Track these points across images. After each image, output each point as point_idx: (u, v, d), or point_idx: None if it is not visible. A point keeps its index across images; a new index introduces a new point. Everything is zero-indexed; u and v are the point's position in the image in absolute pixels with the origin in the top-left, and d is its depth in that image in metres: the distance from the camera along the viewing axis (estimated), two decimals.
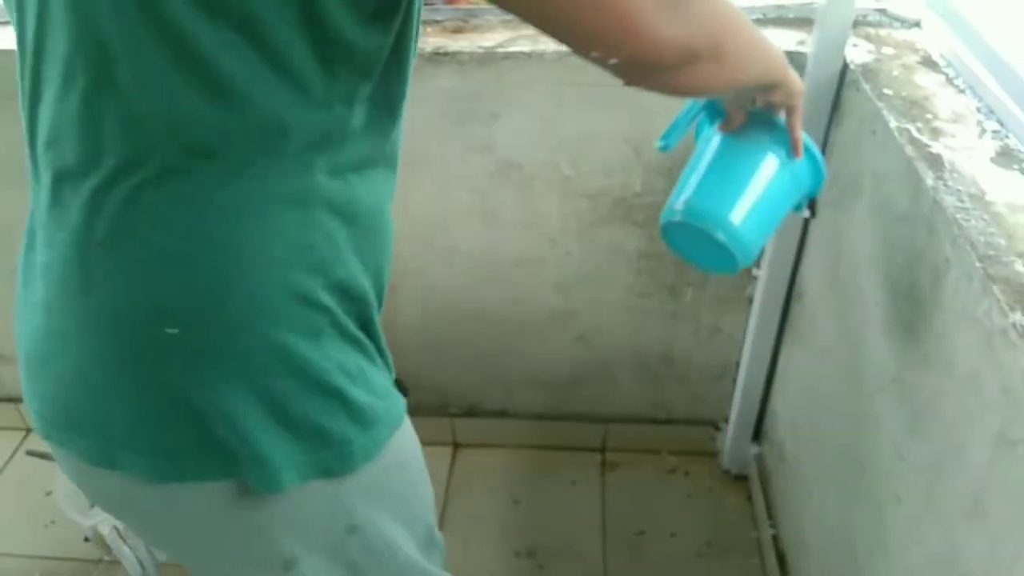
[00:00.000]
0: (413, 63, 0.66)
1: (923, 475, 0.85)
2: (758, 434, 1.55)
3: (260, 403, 0.60)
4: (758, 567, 1.46)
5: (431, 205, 1.34)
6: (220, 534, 0.68)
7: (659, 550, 1.50)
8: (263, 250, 0.59)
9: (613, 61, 0.55)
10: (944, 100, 0.97)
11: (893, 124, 0.92)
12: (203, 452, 0.61)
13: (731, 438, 1.57)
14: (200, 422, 0.60)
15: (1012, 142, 0.88)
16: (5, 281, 1.54)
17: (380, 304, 0.70)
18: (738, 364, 1.50)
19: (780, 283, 1.30)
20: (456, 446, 1.68)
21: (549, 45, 1.18)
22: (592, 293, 1.44)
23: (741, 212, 0.77)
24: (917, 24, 1.15)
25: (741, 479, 1.61)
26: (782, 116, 0.79)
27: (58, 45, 0.56)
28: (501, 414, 1.66)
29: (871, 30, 1.15)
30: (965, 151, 0.87)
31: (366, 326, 0.68)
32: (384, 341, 0.71)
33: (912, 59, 1.07)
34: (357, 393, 0.65)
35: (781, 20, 1.22)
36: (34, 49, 0.58)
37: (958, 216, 0.77)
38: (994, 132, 0.90)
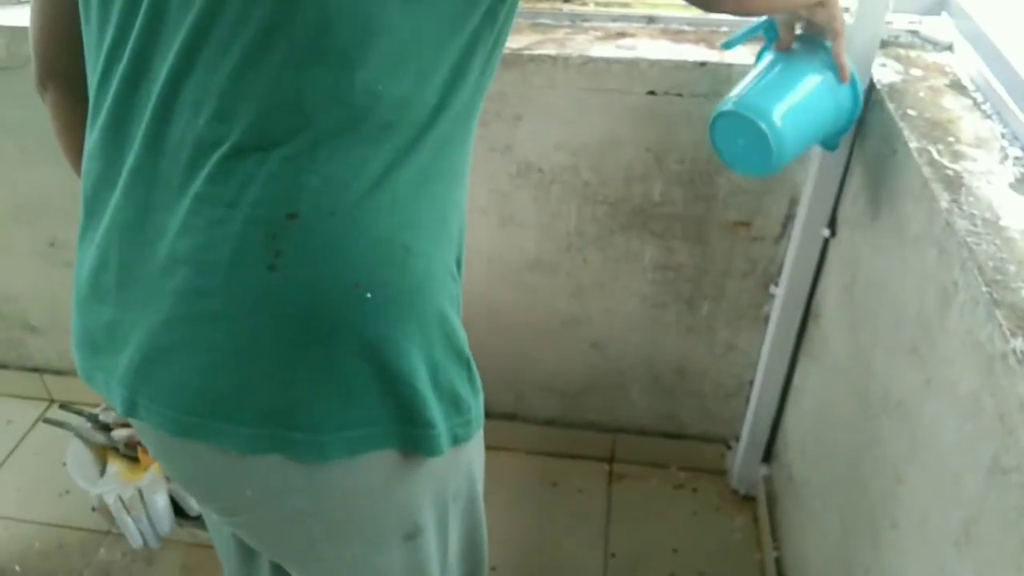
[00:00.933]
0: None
1: (919, 501, 0.83)
2: (769, 455, 1.53)
3: (427, 367, 0.63)
4: None
5: None
6: (366, 508, 0.69)
7: (660, 566, 1.48)
8: (433, 219, 0.63)
9: None
10: (969, 124, 0.96)
11: (913, 144, 0.91)
12: (382, 419, 0.62)
13: (741, 457, 1.55)
14: (389, 386, 0.61)
15: None
16: (36, 256, 1.60)
17: None
18: (752, 382, 1.48)
19: (797, 301, 1.29)
20: None
21: (575, 50, 1.18)
22: (607, 301, 1.43)
23: (783, 109, 0.89)
24: (949, 47, 1.14)
25: (749, 500, 1.59)
26: (828, 43, 0.91)
27: (248, 15, 0.55)
28: (511, 417, 1.66)
29: (902, 51, 1.14)
30: (984, 175, 0.85)
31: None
32: None
33: (940, 82, 1.06)
34: (473, 364, 0.70)
35: None
36: (196, 22, 0.56)
37: (969, 240, 0.76)
38: (1016, 158, 0.88)
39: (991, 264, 0.73)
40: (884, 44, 1.14)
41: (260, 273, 0.57)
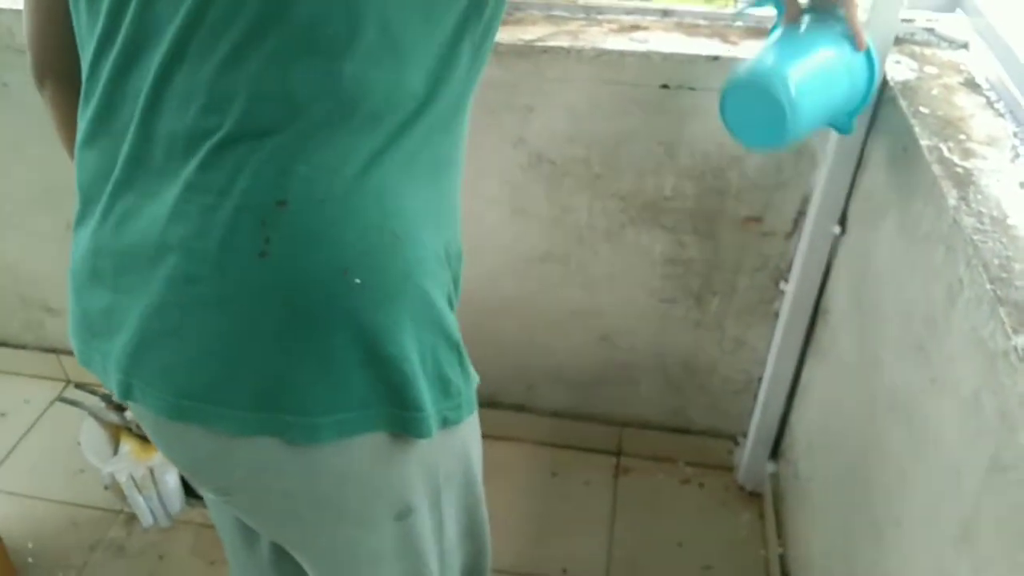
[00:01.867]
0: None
1: (921, 499, 0.83)
2: (776, 452, 1.53)
3: (417, 352, 0.65)
4: None
5: (461, 194, 1.35)
6: (356, 488, 0.70)
7: (664, 560, 1.49)
8: (422, 207, 0.64)
9: None
10: (981, 122, 0.95)
11: (924, 142, 0.91)
12: (371, 402, 0.63)
13: (748, 454, 1.55)
14: (378, 371, 0.62)
15: None
16: (58, 240, 1.62)
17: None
18: (760, 379, 1.48)
19: (807, 298, 1.29)
20: None
21: (588, 42, 1.18)
22: (617, 294, 1.44)
23: (796, 77, 0.83)
24: (965, 46, 1.13)
25: (756, 496, 1.59)
26: (842, 11, 0.87)
27: (240, 6, 0.56)
28: (520, 408, 1.67)
29: (917, 48, 1.13)
30: (994, 173, 0.85)
31: (453, 293, 0.73)
32: None
33: (955, 80, 1.05)
34: (464, 349, 0.71)
35: None
36: (188, 13, 0.57)
37: (975, 237, 0.76)
38: None
39: (996, 262, 0.73)
40: (899, 41, 1.13)
41: (250, 260, 0.58)
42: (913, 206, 0.92)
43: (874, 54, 0.90)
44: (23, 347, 1.87)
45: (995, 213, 0.79)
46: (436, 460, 0.73)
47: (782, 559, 1.41)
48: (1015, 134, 0.92)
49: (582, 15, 1.27)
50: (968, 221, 0.78)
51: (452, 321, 0.69)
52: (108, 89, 0.62)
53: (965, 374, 0.75)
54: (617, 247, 1.37)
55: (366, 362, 0.62)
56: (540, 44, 1.19)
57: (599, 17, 1.26)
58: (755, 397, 1.51)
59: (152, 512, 1.17)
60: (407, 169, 0.62)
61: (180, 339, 0.61)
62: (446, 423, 0.69)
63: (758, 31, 1.22)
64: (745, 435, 1.57)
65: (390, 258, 0.62)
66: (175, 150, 0.59)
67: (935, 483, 0.80)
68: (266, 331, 0.60)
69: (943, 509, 0.77)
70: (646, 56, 1.16)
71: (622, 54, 1.17)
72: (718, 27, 1.22)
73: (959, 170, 0.86)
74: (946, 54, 1.12)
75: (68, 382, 1.87)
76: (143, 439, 1.26)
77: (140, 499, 1.15)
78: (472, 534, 0.86)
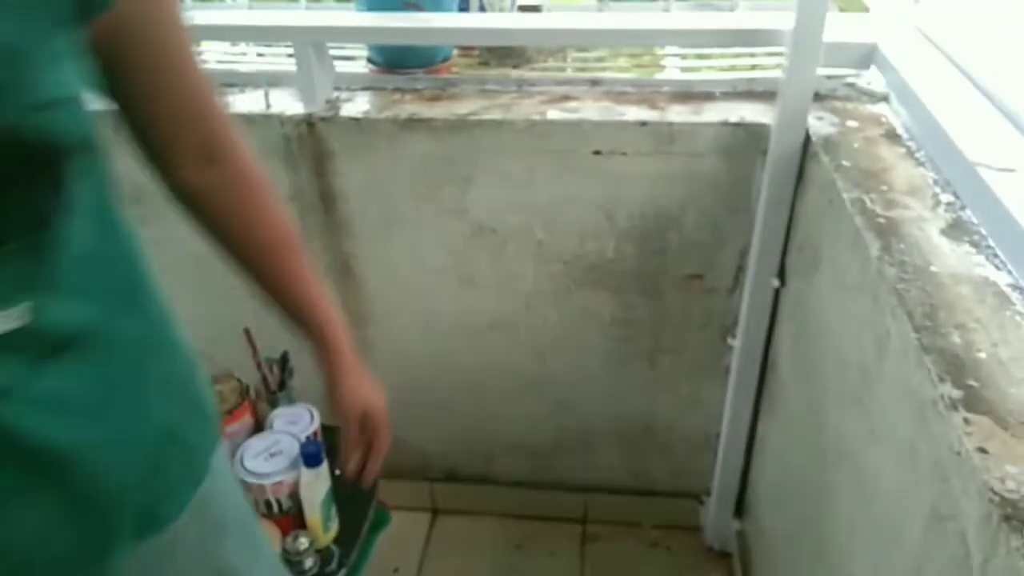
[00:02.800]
0: None
1: (872, 550, 0.82)
2: (740, 509, 1.51)
3: None
4: None
5: (407, 267, 1.36)
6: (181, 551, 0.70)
7: None
8: None
9: None
10: (902, 172, 0.97)
11: (846, 195, 0.92)
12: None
13: (713, 513, 1.53)
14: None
15: (966, 214, 0.87)
16: None
17: None
18: (718, 435, 1.47)
19: (755, 352, 1.29)
20: (435, 512, 1.65)
21: (520, 113, 1.20)
22: (569, 359, 1.43)
23: None
24: (885, 98, 1.16)
25: (725, 556, 1.57)
26: None
27: None
28: (482, 480, 1.63)
29: (839, 103, 1.16)
30: (916, 222, 0.87)
31: None
32: None
33: (876, 132, 1.08)
34: None
35: (750, 94, 1.24)
36: None
37: (898, 287, 0.76)
38: (948, 204, 0.90)
39: (920, 310, 0.73)
40: (820, 97, 1.17)
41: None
42: (841, 258, 0.94)
43: None
44: None
45: (918, 261, 0.80)
46: None
47: None
48: (935, 182, 0.94)
49: (514, 88, 1.30)
50: (890, 271, 0.79)
51: None
52: None
53: (900, 424, 0.74)
54: (564, 311, 1.37)
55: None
56: (473, 118, 1.20)
57: (531, 89, 1.29)
58: (715, 454, 1.50)
59: None
60: None
61: None
62: None
63: (686, 96, 1.25)
64: (709, 493, 1.56)
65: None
66: None
67: (883, 534, 0.79)
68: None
69: (890, 561, 0.76)
70: (577, 124, 1.19)
71: (553, 123, 1.19)
72: (645, 94, 1.25)
73: (881, 220, 0.87)
74: (867, 107, 1.15)
75: None
76: None
77: None
78: None
